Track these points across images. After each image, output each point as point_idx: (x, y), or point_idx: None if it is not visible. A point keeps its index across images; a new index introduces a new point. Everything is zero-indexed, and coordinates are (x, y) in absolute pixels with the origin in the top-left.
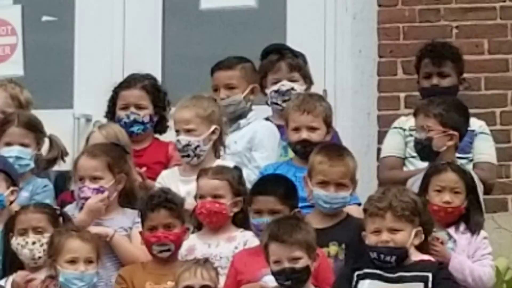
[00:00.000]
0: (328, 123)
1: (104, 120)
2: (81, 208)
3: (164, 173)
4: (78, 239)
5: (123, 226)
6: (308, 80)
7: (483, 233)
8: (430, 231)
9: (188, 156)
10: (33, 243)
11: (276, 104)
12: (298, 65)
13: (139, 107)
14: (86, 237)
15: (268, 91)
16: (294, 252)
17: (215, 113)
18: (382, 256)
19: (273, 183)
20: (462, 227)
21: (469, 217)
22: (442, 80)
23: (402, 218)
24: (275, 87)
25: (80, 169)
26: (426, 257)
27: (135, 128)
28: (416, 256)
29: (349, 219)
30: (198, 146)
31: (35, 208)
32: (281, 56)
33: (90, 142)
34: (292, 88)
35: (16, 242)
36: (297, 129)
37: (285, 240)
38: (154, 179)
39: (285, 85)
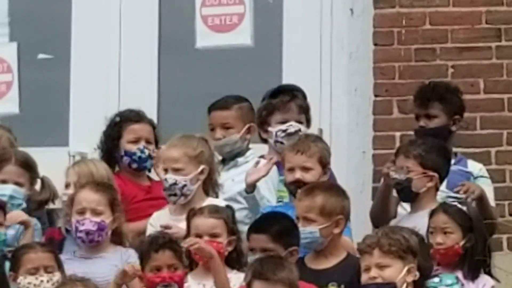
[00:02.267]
0: (323, 163)
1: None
2: (81, 240)
3: (156, 214)
4: None
5: (116, 264)
6: (309, 123)
7: (490, 282)
8: (426, 275)
9: (175, 195)
10: (47, 281)
11: (282, 143)
12: (307, 107)
13: (148, 141)
14: (90, 286)
15: (273, 129)
16: None
17: (204, 153)
18: None
19: (269, 221)
20: (466, 268)
21: (473, 257)
22: (428, 121)
23: (389, 254)
24: (283, 127)
25: (82, 201)
26: None
27: (148, 164)
28: None
29: (349, 259)
30: (185, 185)
31: (43, 247)
32: (293, 97)
33: (66, 179)
34: (300, 130)
35: (26, 281)
36: (291, 169)
37: (269, 278)
38: None
39: (293, 126)
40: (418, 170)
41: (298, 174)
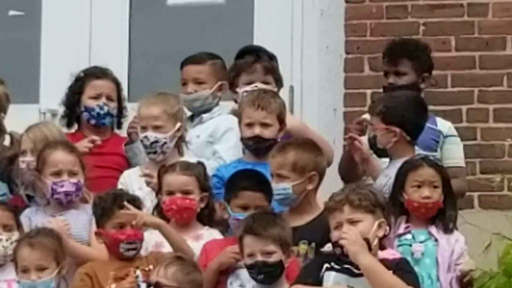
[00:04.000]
0: (281, 120)
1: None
2: (57, 201)
3: (126, 173)
4: (28, 247)
5: (84, 219)
6: (279, 83)
7: (461, 238)
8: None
9: (155, 152)
10: (6, 240)
11: None
12: (273, 68)
13: (110, 99)
14: (35, 245)
15: (240, 90)
16: (267, 246)
17: (181, 111)
18: (345, 249)
19: (259, 179)
20: (439, 224)
21: (445, 212)
22: (398, 78)
23: (360, 209)
24: (248, 88)
25: (58, 163)
26: (386, 254)
27: (106, 120)
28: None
29: (321, 217)
30: (165, 143)
31: (3, 206)
32: (257, 58)
33: (21, 146)
34: None
35: None
36: (250, 125)
37: (260, 233)
38: (114, 169)
39: (259, 87)
40: (381, 127)
41: (258, 130)
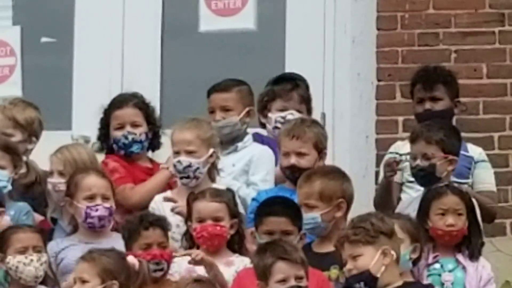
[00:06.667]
0: (319, 148)
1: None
2: (91, 225)
3: (157, 197)
4: (82, 260)
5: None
6: (310, 113)
7: (488, 264)
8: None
9: (187, 177)
10: (37, 261)
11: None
12: (308, 98)
13: (134, 125)
14: (87, 257)
15: (272, 115)
16: (300, 271)
17: (214, 137)
18: (352, 285)
19: (284, 205)
20: (465, 251)
21: (470, 239)
22: (434, 104)
23: (358, 243)
24: (283, 114)
25: (92, 187)
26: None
27: (134, 148)
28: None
29: None
30: (198, 168)
31: (31, 228)
32: (295, 86)
33: (50, 167)
34: None
35: (15, 260)
36: (286, 154)
37: (294, 258)
38: None
39: (293, 114)
40: (440, 155)
41: (293, 160)
